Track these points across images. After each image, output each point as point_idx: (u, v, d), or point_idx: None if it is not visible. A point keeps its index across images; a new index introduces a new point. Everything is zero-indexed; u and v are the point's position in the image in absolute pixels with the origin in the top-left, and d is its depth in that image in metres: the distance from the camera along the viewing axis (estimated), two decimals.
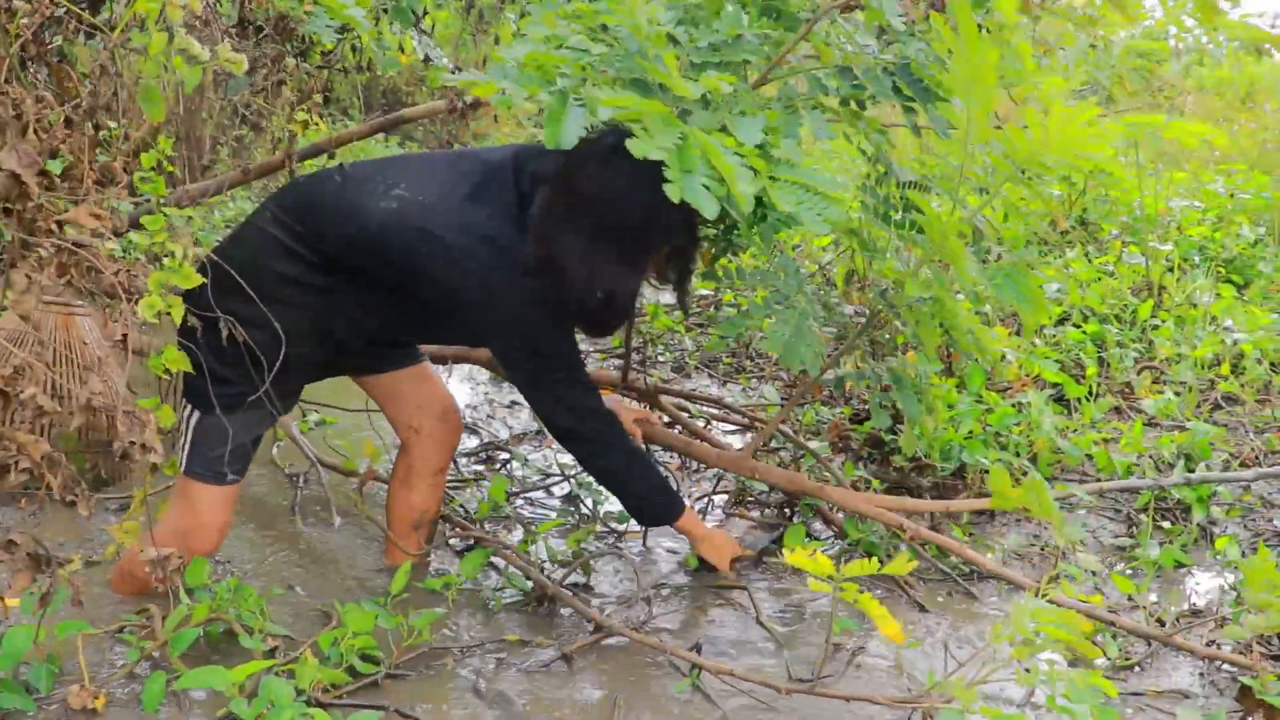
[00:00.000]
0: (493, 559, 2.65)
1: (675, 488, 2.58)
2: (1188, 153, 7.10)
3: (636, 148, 1.77)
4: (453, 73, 2.80)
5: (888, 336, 2.92)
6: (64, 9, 1.81)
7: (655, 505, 2.51)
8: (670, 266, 2.32)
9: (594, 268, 2.08)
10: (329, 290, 2.24)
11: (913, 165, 2.66)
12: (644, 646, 2.32)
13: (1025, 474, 3.27)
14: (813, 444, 3.32)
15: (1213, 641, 2.49)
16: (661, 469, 3.03)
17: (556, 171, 2.12)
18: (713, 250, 2.76)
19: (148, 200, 3.27)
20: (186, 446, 2.28)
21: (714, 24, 2.17)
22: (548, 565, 2.68)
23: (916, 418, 2.68)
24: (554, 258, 2.09)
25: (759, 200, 2.04)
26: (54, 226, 1.82)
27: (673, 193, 1.77)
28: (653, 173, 1.78)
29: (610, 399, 2.73)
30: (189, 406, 2.28)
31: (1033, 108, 2.14)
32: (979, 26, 2.43)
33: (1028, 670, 1.82)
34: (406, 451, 2.62)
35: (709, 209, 1.78)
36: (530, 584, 2.53)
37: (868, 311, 2.72)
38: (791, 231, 3.40)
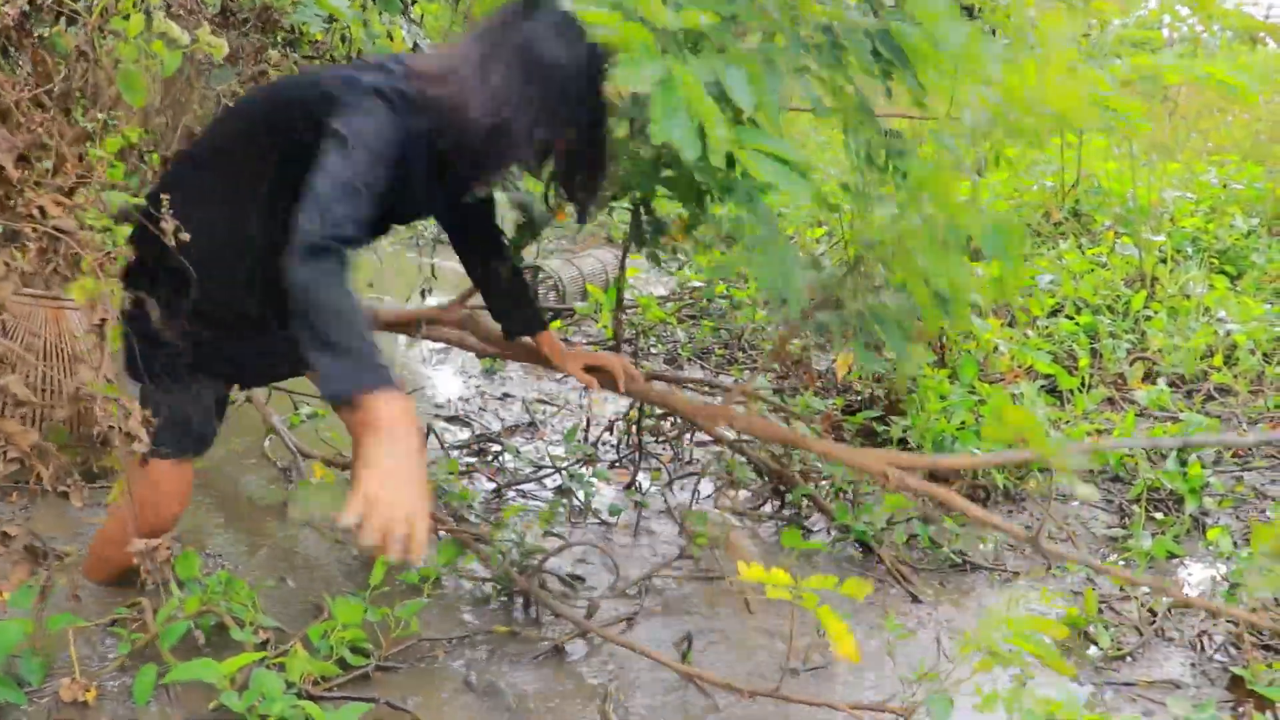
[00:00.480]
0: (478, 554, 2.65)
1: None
2: (1181, 143, 7.11)
3: (623, 78, 1.72)
4: None
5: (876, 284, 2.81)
6: None
7: (339, 362, 1.76)
8: (571, 173, 2.20)
9: (499, 90, 1.92)
10: (232, 186, 2.09)
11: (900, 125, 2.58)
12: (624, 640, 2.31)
13: (1020, 467, 3.28)
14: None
15: (1204, 632, 2.50)
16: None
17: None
18: (686, 220, 2.71)
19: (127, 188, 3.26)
20: None
21: None
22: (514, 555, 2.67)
23: (903, 353, 2.56)
24: (461, 71, 1.95)
25: (728, 172, 2.00)
26: (35, 212, 1.81)
27: (655, 134, 1.72)
28: (587, 52, 1.84)
29: (579, 349, 2.68)
30: (129, 380, 2.18)
31: (1030, 58, 2.09)
32: (970, 9, 2.43)
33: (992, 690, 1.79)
34: None
35: (691, 150, 1.72)
36: (512, 581, 2.53)
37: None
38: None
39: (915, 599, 2.66)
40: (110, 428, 1.70)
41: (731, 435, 3.66)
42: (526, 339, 2.61)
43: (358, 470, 1.67)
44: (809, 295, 2.41)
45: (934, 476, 3.20)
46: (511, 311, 2.58)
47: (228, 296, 2.12)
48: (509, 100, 1.91)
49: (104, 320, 1.73)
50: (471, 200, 2.30)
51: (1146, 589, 2.72)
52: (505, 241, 2.53)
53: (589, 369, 2.60)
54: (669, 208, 2.61)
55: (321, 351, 1.75)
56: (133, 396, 2.03)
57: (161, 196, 2.02)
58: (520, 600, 2.51)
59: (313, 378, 2.19)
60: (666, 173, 2.45)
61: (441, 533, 2.73)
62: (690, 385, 3.62)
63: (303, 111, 1.98)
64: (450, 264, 2.86)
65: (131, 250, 2.07)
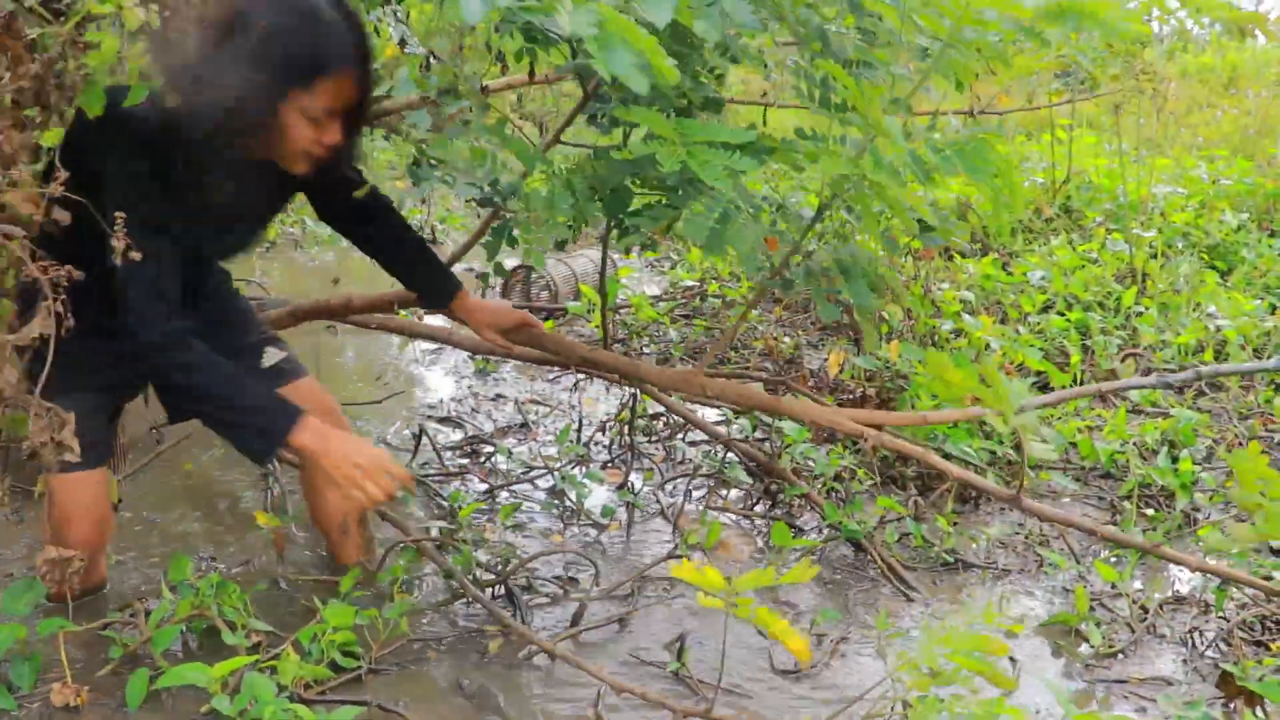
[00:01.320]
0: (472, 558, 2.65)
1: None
2: (1171, 139, 7.12)
3: (563, 24, 1.70)
4: (426, 61, 2.77)
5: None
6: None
7: (246, 428, 2.05)
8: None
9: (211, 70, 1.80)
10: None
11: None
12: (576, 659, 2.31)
13: (1011, 465, 3.29)
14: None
15: (1195, 629, 2.50)
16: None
17: None
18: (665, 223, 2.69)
19: None
20: None
21: None
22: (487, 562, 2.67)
23: (869, 307, 2.49)
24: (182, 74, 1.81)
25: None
26: None
27: (600, 67, 1.70)
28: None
29: (493, 301, 2.65)
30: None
31: None
32: None
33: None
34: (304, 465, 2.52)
35: (639, 83, 1.71)
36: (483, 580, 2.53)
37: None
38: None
39: (908, 598, 2.66)
40: (42, 443, 1.68)
41: (715, 417, 3.68)
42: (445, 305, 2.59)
43: (323, 478, 2.09)
44: (772, 249, 2.35)
45: (926, 488, 3.22)
46: (415, 279, 2.57)
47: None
48: (222, 77, 1.80)
49: (39, 337, 1.69)
50: (305, 180, 2.19)
51: (1140, 586, 2.73)
52: (379, 208, 2.47)
53: (505, 331, 2.61)
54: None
55: (226, 430, 2.08)
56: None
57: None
58: (507, 602, 2.51)
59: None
60: (639, 190, 2.43)
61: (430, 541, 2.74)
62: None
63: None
64: None
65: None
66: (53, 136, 1.61)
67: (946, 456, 3.21)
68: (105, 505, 2.25)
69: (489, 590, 2.50)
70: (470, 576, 2.49)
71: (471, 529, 2.71)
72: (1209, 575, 2.77)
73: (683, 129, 1.94)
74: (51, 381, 1.81)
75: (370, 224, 2.47)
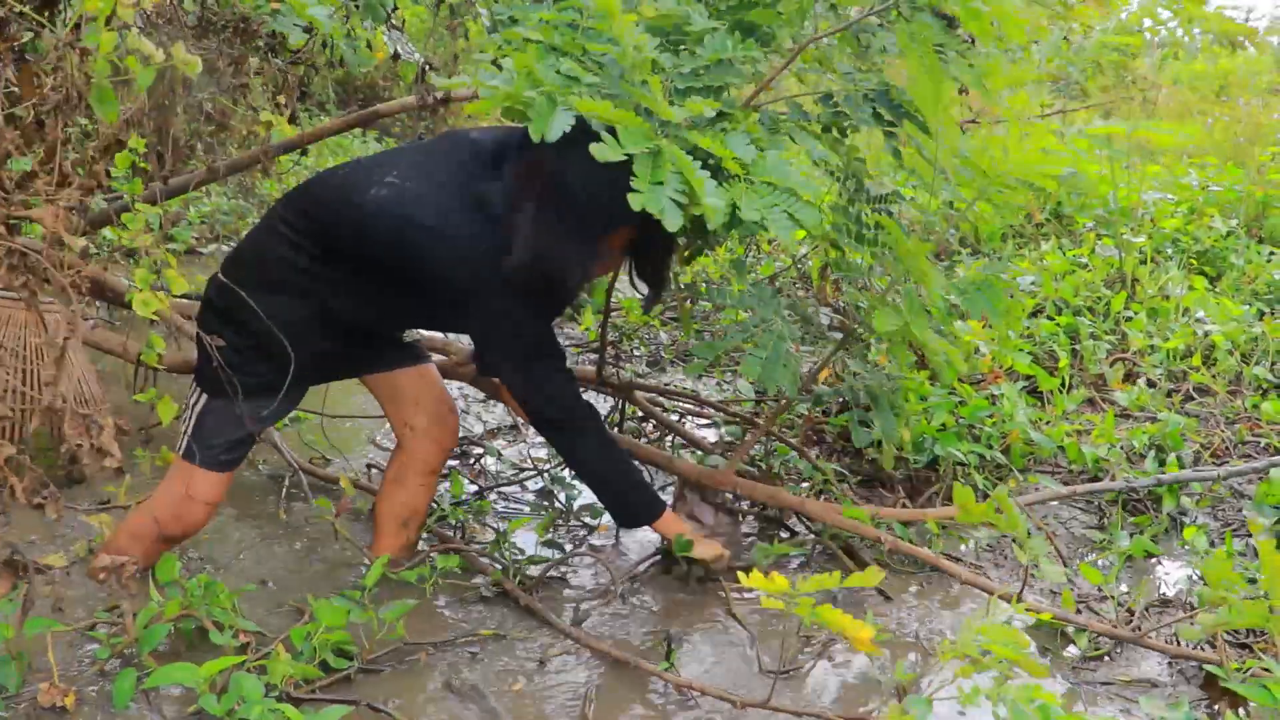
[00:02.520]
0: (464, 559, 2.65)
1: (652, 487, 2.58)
2: (1162, 146, 7.14)
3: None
4: (423, 69, 2.79)
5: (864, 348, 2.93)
6: (18, 10, 1.79)
7: (634, 504, 2.52)
8: (640, 260, 2.37)
9: (540, 241, 2.13)
10: (331, 280, 2.29)
11: (889, 178, 2.73)
12: (613, 642, 2.32)
13: (999, 468, 3.30)
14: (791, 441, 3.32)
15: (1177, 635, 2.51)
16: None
17: (523, 152, 2.18)
18: (687, 251, 2.77)
19: (120, 197, 3.26)
20: (189, 430, 2.36)
21: (697, 49, 2.20)
22: (518, 562, 2.68)
23: (894, 436, 2.74)
24: (511, 229, 2.16)
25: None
26: (3, 229, 1.80)
27: (635, 202, 1.82)
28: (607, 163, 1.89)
29: None
30: (198, 391, 2.36)
31: (998, 136, 2.20)
32: (948, 18, 2.45)
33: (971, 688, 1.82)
34: (401, 449, 2.64)
35: (673, 220, 1.84)
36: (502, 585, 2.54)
37: (843, 319, 2.76)
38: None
39: (886, 597, 2.67)
40: (79, 445, 1.70)
41: (704, 423, 3.69)
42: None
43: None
44: (800, 362, 2.53)
45: (914, 478, 3.23)
46: None
47: (300, 344, 2.29)
48: (550, 249, 2.14)
49: (69, 337, 1.72)
50: None
51: (1125, 589, 2.74)
52: None
53: None
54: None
55: (619, 512, 2.57)
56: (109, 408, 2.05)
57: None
58: (504, 603, 2.51)
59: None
60: None
61: (432, 546, 2.74)
62: (677, 397, 3.64)
63: (417, 262, 2.22)
64: None
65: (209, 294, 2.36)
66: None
67: (935, 461, 3.22)
68: (220, 500, 2.45)
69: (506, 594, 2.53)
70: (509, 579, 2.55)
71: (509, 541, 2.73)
72: (1194, 580, 2.79)
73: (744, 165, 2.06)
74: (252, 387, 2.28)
75: None
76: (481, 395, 4.08)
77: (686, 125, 2.03)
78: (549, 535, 2.88)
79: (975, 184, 2.26)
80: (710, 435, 3.61)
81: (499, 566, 2.62)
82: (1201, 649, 2.44)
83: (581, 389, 2.57)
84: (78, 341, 2.63)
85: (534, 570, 2.64)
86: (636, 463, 2.69)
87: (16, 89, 1.88)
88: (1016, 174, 2.16)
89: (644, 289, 2.54)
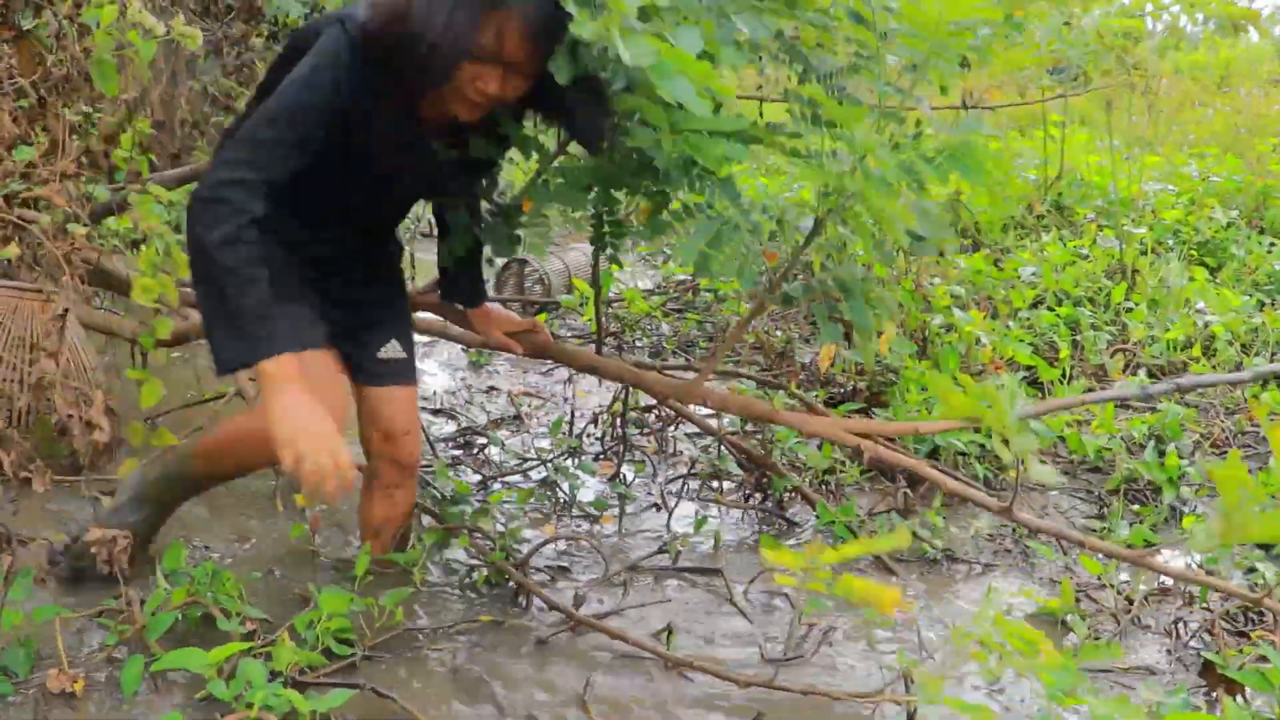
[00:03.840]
0: (470, 542, 2.67)
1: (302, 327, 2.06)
2: (1161, 137, 7.15)
3: (623, 56, 1.75)
4: None
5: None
6: None
7: (230, 337, 1.92)
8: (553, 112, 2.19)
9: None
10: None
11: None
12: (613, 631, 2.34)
13: (1000, 458, 3.31)
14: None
15: (1179, 620, 2.53)
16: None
17: None
18: (650, 204, 2.70)
19: (123, 187, 3.27)
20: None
21: None
22: (518, 548, 2.70)
23: (868, 327, 2.55)
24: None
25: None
26: (2, 202, 1.81)
27: (665, 95, 1.75)
28: None
29: (495, 309, 2.68)
30: None
31: None
32: None
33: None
34: (368, 461, 2.54)
35: (700, 106, 1.76)
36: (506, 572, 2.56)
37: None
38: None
39: (891, 572, 2.69)
40: (69, 416, 1.72)
41: (706, 412, 3.70)
42: (459, 306, 2.66)
43: (268, 427, 1.88)
44: (770, 262, 2.39)
45: (915, 480, 3.24)
46: (461, 278, 2.62)
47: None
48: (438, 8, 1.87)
49: (65, 311, 1.74)
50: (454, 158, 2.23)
51: (1126, 578, 2.76)
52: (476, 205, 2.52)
53: (511, 334, 2.64)
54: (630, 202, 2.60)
55: (213, 321, 1.91)
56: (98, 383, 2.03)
57: None
58: (504, 590, 2.53)
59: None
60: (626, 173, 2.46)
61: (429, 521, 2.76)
62: (676, 371, 3.64)
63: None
64: (429, 257, 2.87)
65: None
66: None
67: (936, 451, 3.24)
68: (346, 389, 2.25)
69: (504, 577, 2.55)
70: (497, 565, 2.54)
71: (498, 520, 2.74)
72: (1192, 565, 2.81)
73: (675, 117, 1.95)
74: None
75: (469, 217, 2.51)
76: (484, 386, 4.10)
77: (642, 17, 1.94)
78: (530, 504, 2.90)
79: (921, 42, 2.14)
80: (713, 420, 3.63)
81: (493, 549, 2.62)
82: (1200, 638, 2.47)
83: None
84: (72, 318, 2.63)
85: (525, 551, 2.64)
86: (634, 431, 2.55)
87: (15, 68, 1.90)
88: (952, 15, 2.04)
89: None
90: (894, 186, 2.11)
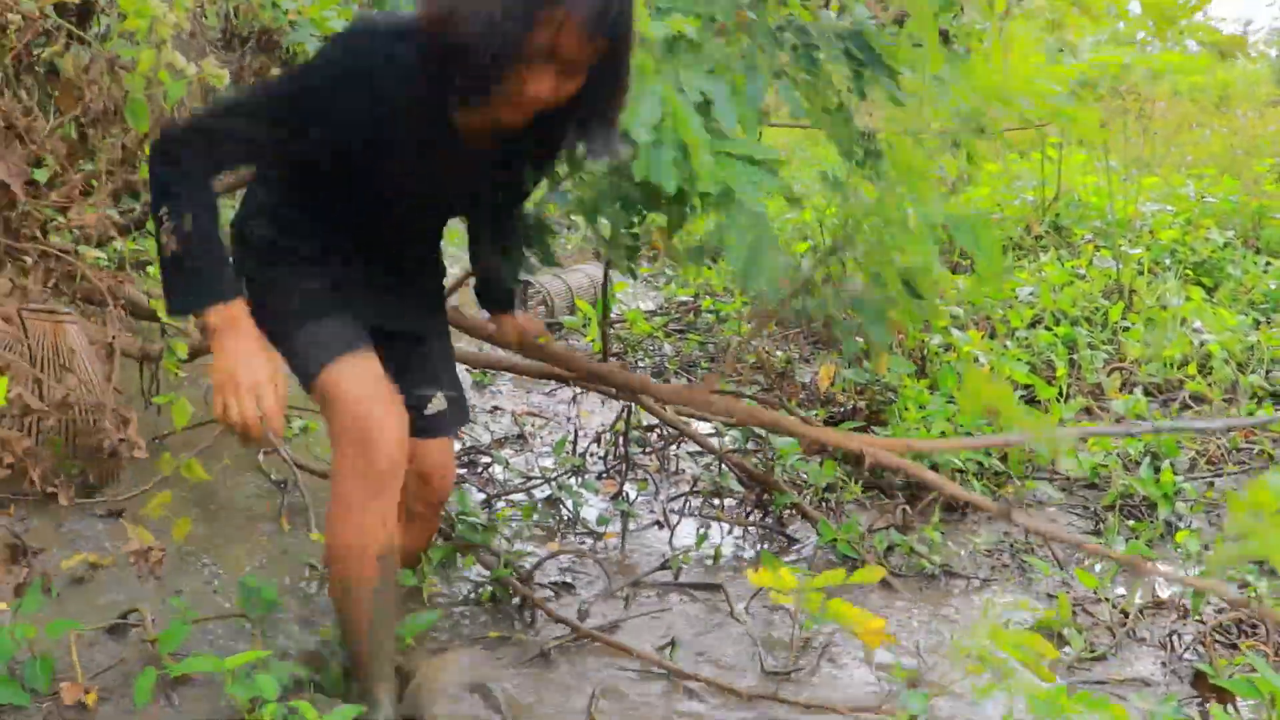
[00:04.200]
0: (477, 559, 2.71)
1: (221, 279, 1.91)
2: (1159, 158, 7.21)
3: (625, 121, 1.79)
4: None
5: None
6: (55, 24, 1.87)
7: (179, 282, 1.89)
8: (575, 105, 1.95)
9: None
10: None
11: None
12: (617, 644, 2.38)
13: (998, 475, 3.35)
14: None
15: (1174, 633, 2.57)
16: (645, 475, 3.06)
17: None
18: (666, 229, 2.74)
19: (133, 210, 3.33)
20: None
21: None
22: (523, 564, 2.74)
23: (882, 341, 2.59)
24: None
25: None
26: (38, 233, 1.88)
27: (639, 170, 1.78)
28: None
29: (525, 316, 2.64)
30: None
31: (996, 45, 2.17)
32: (944, 33, 2.51)
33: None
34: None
35: (671, 183, 1.81)
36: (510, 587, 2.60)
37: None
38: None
39: (890, 587, 2.73)
40: (121, 440, 1.77)
41: (707, 430, 3.74)
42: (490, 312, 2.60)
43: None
44: (784, 283, 2.43)
45: (913, 485, 3.28)
46: (491, 284, 2.54)
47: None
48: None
49: (114, 338, 1.80)
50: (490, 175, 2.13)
51: (1121, 592, 2.79)
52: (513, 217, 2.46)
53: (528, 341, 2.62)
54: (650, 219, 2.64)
55: (167, 265, 1.87)
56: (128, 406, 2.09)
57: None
58: (510, 604, 2.57)
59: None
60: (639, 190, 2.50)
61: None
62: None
63: None
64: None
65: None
66: None
67: (935, 466, 3.28)
68: (390, 399, 2.06)
69: (509, 592, 2.59)
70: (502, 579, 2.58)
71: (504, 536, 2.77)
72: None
73: (716, 142, 1.97)
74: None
75: (503, 225, 2.45)
76: (488, 406, 4.14)
77: (668, 49, 1.94)
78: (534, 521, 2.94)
79: (970, 99, 2.20)
80: (714, 439, 3.67)
81: (498, 564, 2.66)
82: (1194, 650, 2.50)
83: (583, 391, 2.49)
84: (88, 344, 2.69)
85: (529, 566, 2.69)
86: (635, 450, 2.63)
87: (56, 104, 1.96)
88: (1015, 87, 2.10)
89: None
90: (914, 234, 2.19)
